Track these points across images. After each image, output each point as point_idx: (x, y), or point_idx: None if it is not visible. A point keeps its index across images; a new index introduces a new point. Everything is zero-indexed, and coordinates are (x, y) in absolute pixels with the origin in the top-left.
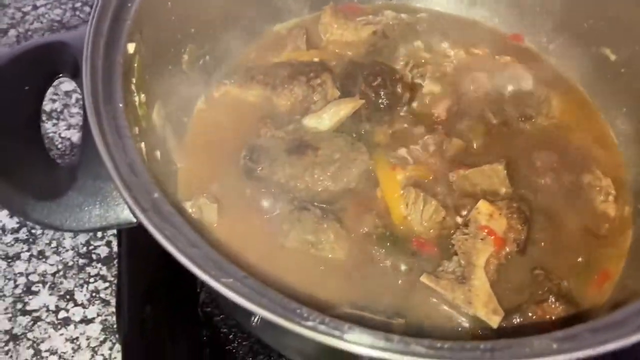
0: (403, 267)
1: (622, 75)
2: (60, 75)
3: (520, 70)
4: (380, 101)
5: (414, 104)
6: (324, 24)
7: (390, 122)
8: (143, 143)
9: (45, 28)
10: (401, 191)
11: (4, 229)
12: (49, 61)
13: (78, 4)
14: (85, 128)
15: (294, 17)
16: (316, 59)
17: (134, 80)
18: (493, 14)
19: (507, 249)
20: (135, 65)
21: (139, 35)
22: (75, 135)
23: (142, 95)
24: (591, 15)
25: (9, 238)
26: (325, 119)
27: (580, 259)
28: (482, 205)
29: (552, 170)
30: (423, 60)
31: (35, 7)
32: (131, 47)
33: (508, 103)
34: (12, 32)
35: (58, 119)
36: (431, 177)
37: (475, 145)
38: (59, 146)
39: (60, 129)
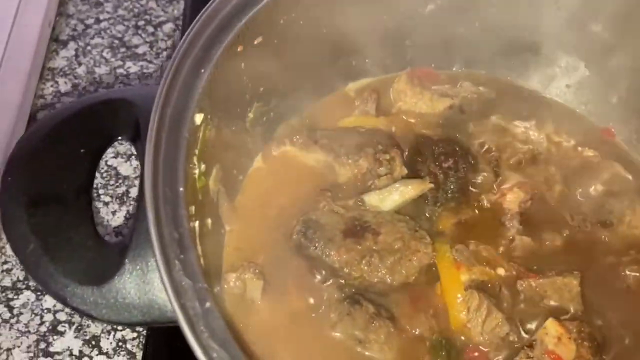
0: None
1: None
2: (119, 137)
3: (605, 169)
4: (449, 185)
5: (485, 192)
6: (398, 90)
7: (457, 209)
8: (197, 222)
9: (106, 44)
10: (464, 293)
11: None
12: (109, 121)
13: (141, 23)
14: (139, 210)
15: (368, 77)
16: (384, 128)
17: (196, 152)
18: (587, 101)
19: None
20: (200, 135)
21: (207, 103)
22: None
23: (203, 166)
24: None
25: None
26: (388, 199)
27: None
28: (551, 325)
29: (631, 291)
30: (500, 143)
31: (97, 21)
32: (199, 118)
33: (588, 204)
34: (72, 45)
35: (107, 187)
36: (497, 282)
37: (546, 247)
38: (107, 218)
39: (111, 198)
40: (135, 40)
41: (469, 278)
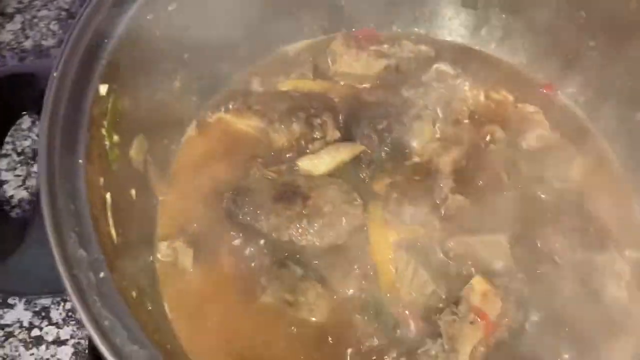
0: (383, 341)
1: None
2: (25, 113)
3: (543, 124)
4: (383, 147)
5: (420, 152)
6: (334, 52)
7: (391, 170)
8: (109, 193)
9: (52, 17)
10: (392, 254)
11: None
12: (14, 96)
13: None
14: (38, 184)
15: (305, 39)
16: (321, 91)
17: (105, 124)
18: (528, 58)
19: (498, 336)
20: (109, 106)
21: (116, 73)
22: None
23: (115, 137)
24: (630, 77)
25: None
26: (321, 163)
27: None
28: (477, 282)
29: (564, 246)
30: (437, 102)
31: None
32: (104, 89)
33: (524, 160)
34: (18, 18)
35: (14, 160)
36: (427, 241)
37: (479, 206)
38: (11, 192)
39: (16, 172)
40: None
41: (398, 238)
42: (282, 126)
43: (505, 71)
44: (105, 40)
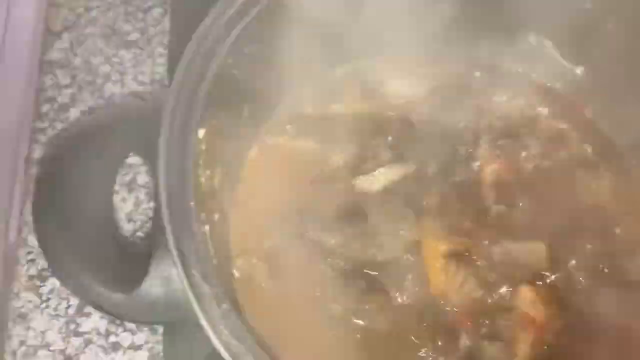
0: (441, 344)
1: None
2: (131, 153)
3: (574, 141)
4: (431, 164)
5: (464, 168)
6: (380, 74)
7: (439, 186)
8: (208, 225)
9: (98, 34)
10: (442, 261)
11: None
12: (120, 139)
13: (131, 9)
14: (155, 223)
15: (353, 63)
16: (370, 112)
17: (201, 163)
18: (559, 76)
19: (545, 338)
20: (204, 147)
21: (208, 115)
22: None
23: (207, 172)
24: None
25: None
26: (375, 182)
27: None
28: (523, 291)
29: (598, 252)
30: (479, 120)
31: (87, 9)
32: (202, 132)
33: (558, 173)
34: (66, 36)
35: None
36: (473, 249)
37: (521, 214)
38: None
39: (120, 186)
40: (127, 28)
41: (447, 248)
42: (338, 148)
43: (538, 88)
44: (200, 87)
